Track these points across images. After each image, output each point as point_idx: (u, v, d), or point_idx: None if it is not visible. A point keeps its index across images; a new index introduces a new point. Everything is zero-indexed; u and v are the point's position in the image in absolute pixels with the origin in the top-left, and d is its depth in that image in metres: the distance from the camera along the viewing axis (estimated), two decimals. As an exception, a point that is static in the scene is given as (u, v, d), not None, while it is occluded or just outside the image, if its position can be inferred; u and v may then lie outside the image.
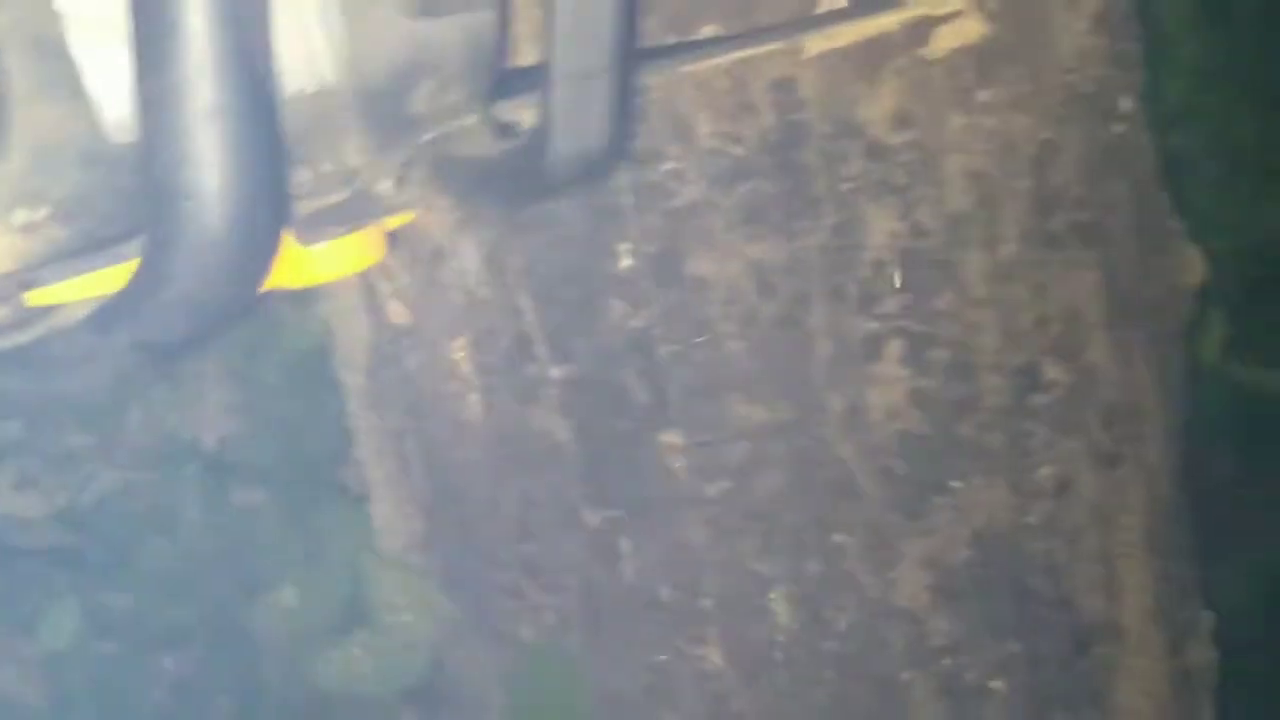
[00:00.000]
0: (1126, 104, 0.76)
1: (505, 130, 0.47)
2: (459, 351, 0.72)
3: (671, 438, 0.70)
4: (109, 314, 0.42)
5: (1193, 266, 0.89)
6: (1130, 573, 0.80)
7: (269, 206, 0.38)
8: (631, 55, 0.51)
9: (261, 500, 1.07)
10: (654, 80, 0.64)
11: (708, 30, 0.63)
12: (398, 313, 0.74)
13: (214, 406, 1.11)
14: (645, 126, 0.65)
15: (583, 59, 0.37)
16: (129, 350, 0.42)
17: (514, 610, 0.77)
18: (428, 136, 0.47)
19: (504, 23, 0.47)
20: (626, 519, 0.72)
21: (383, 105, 0.46)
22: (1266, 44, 1.22)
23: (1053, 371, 0.73)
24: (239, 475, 1.07)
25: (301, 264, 0.50)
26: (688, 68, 0.63)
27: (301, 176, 0.47)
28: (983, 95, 0.67)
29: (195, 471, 1.05)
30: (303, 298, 0.94)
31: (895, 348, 0.69)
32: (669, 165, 0.65)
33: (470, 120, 0.47)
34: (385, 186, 0.48)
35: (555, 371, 0.70)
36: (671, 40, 0.63)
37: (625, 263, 0.67)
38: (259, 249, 0.39)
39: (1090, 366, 0.75)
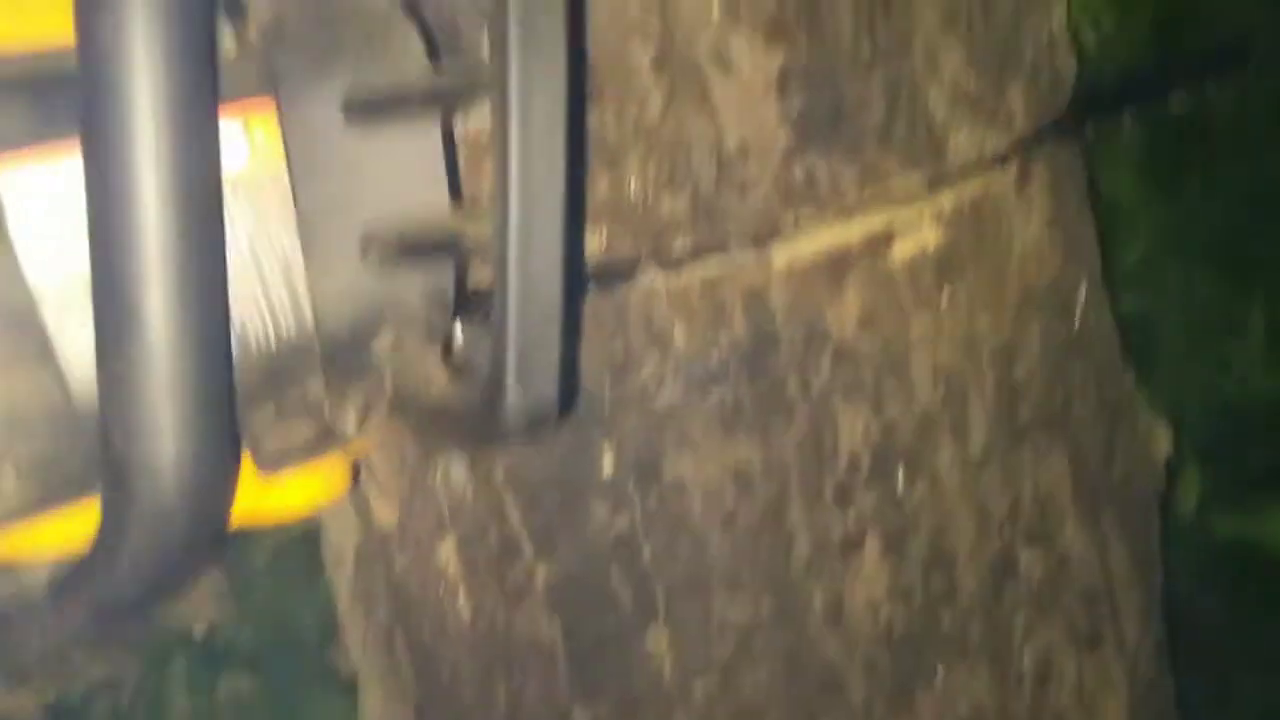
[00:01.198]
0: (1084, 293, 0.79)
1: (462, 374, 0.50)
2: (446, 553, 0.73)
3: (658, 636, 0.71)
4: (65, 582, 0.43)
5: (1159, 439, 0.91)
6: (1119, 753, 0.80)
7: (222, 476, 0.40)
8: (577, 315, 0.55)
9: (250, 688, 1.06)
10: (632, 294, 0.67)
11: (680, 246, 0.66)
12: (385, 514, 0.75)
13: (203, 593, 1.11)
14: (624, 336, 0.67)
15: (530, 322, 0.39)
16: (89, 616, 0.44)
17: (504, 811, 0.76)
18: (387, 380, 0.50)
19: (462, 274, 0.50)
20: (616, 717, 0.72)
21: (344, 353, 0.48)
22: (1219, 208, 1.28)
23: (1028, 558, 0.75)
24: (227, 663, 1.07)
25: (266, 497, 0.52)
26: (662, 279, 0.67)
27: (265, 411, 0.50)
28: (944, 297, 0.71)
29: (184, 661, 1.05)
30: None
31: (873, 543, 0.71)
32: (648, 372, 0.68)
33: (427, 365, 0.50)
34: (347, 423, 0.51)
35: (541, 572, 0.71)
36: (647, 252, 0.67)
37: (607, 466, 0.69)
38: (212, 518, 0.41)
39: (1064, 550, 0.77)
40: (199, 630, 1.09)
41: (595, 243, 0.66)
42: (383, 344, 0.49)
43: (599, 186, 0.65)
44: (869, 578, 0.71)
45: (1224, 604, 1.61)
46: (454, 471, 0.72)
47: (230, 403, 0.42)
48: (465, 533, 0.72)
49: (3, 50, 0.43)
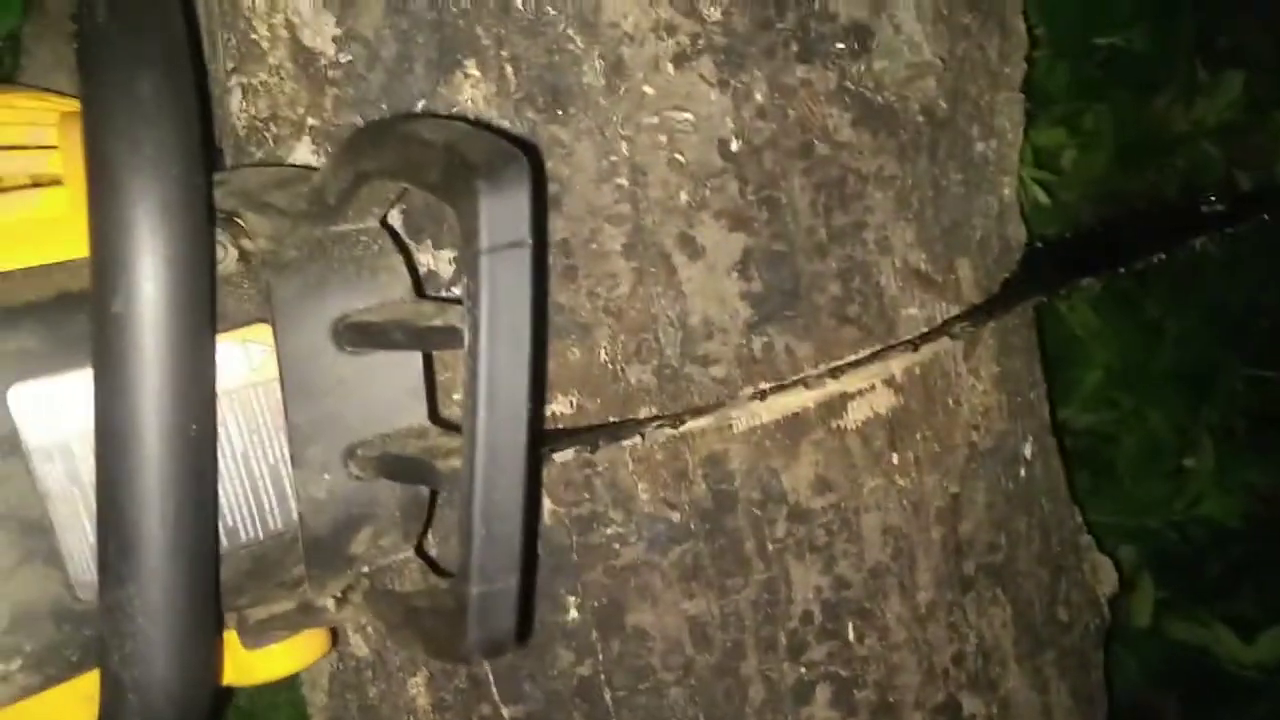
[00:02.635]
0: (1029, 448, 0.84)
1: (434, 572, 0.54)
2: (416, 687, 0.77)
3: (616, 777, 0.74)
4: None
5: (1105, 576, 0.96)
6: None
7: (206, 683, 0.44)
8: (534, 554, 0.60)
9: (222, 790, 1.09)
10: (599, 455, 0.71)
11: (645, 413, 0.71)
12: (359, 646, 0.79)
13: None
14: (590, 495, 0.72)
15: (493, 568, 0.43)
16: None
17: None
18: (365, 570, 0.54)
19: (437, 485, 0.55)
20: None
21: (325, 548, 0.52)
22: (1173, 338, 1.33)
23: (971, 705, 0.79)
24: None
25: (247, 664, 0.56)
26: (628, 443, 0.71)
27: (251, 592, 0.54)
28: (894, 458, 0.75)
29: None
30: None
31: (824, 692, 0.74)
32: (612, 530, 0.72)
33: (402, 557, 0.54)
34: (327, 603, 0.55)
35: (506, 712, 0.74)
36: (614, 418, 0.71)
37: (572, 615, 0.73)
38: (197, 715, 0.45)
39: (1006, 696, 0.81)
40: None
41: (566, 408, 0.70)
42: (361, 542, 0.53)
43: (571, 358, 0.69)
44: (819, 724, 0.74)
45: (1179, 705, 1.65)
46: (427, 612, 0.75)
47: (217, 612, 0.46)
48: (436, 669, 0.76)
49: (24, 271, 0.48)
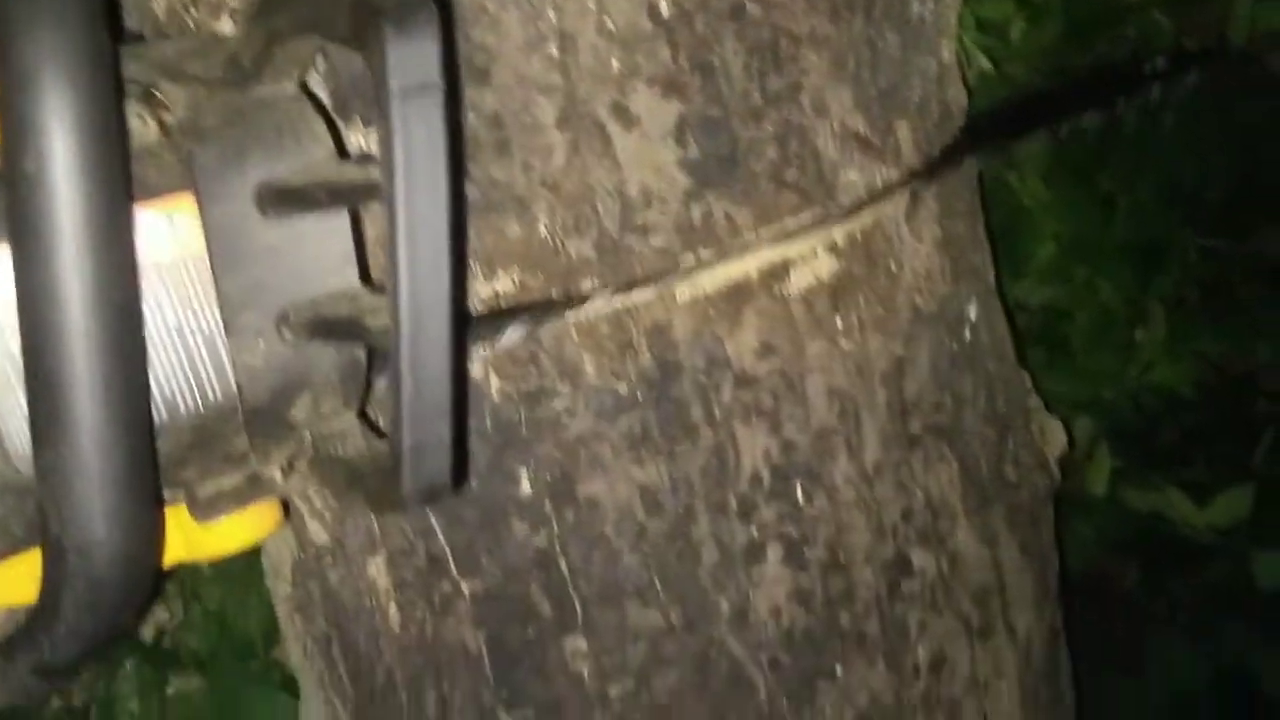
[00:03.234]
0: (973, 311, 0.85)
1: (376, 434, 0.54)
2: (376, 568, 0.78)
3: (576, 644, 0.76)
4: (10, 645, 0.48)
5: (1054, 437, 0.97)
6: (1009, 735, 0.87)
7: (148, 544, 0.45)
8: (465, 400, 0.60)
9: (199, 688, 1.11)
10: (544, 331, 0.72)
11: (588, 286, 0.71)
12: (318, 532, 0.80)
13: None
14: (537, 370, 0.72)
15: (424, 413, 0.44)
16: (29, 675, 0.49)
17: (438, 807, 0.82)
18: (308, 439, 0.55)
19: (373, 345, 0.55)
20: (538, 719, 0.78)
21: (265, 416, 0.53)
22: (1124, 209, 1.34)
23: (921, 559, 0.81)
24: (176, 665, 1.11)
25: (199, 539, 0.57)
26: (572, 317, 0.71)
27: (197, 465, 0.54)
28: (838, 322, 0.76)
29: (133, 664, 1.09)
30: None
31: (774, 551, 0.76)
32: (560, 403, 0.72)
33: (344, 423, 0.55)
34: (274, 473, 0.55)
35: (466, 586, 0.76)
36: (557, 292, 0.71)
37: (525, 488, 0.74)
38: (139, 584, 0.46)
39: (956, 551, 0.83)
40: (148, 634, 1.13)
41: (509, 286, 0.70)
42: (301, 408, 0.54)
43: (510, 234, 0.69)
44: (772, 583, 0.76)
45: (1137, 572, 1.71)
46: (382, 493, 0.76)
47: (154, 477, 0.46)
48: (394, 550, 0.77)
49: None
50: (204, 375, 0.51)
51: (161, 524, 0.48)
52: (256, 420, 0.53)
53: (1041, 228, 1.25)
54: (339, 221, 0.52)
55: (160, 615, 1.14)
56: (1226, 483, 1.50)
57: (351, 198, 0.49)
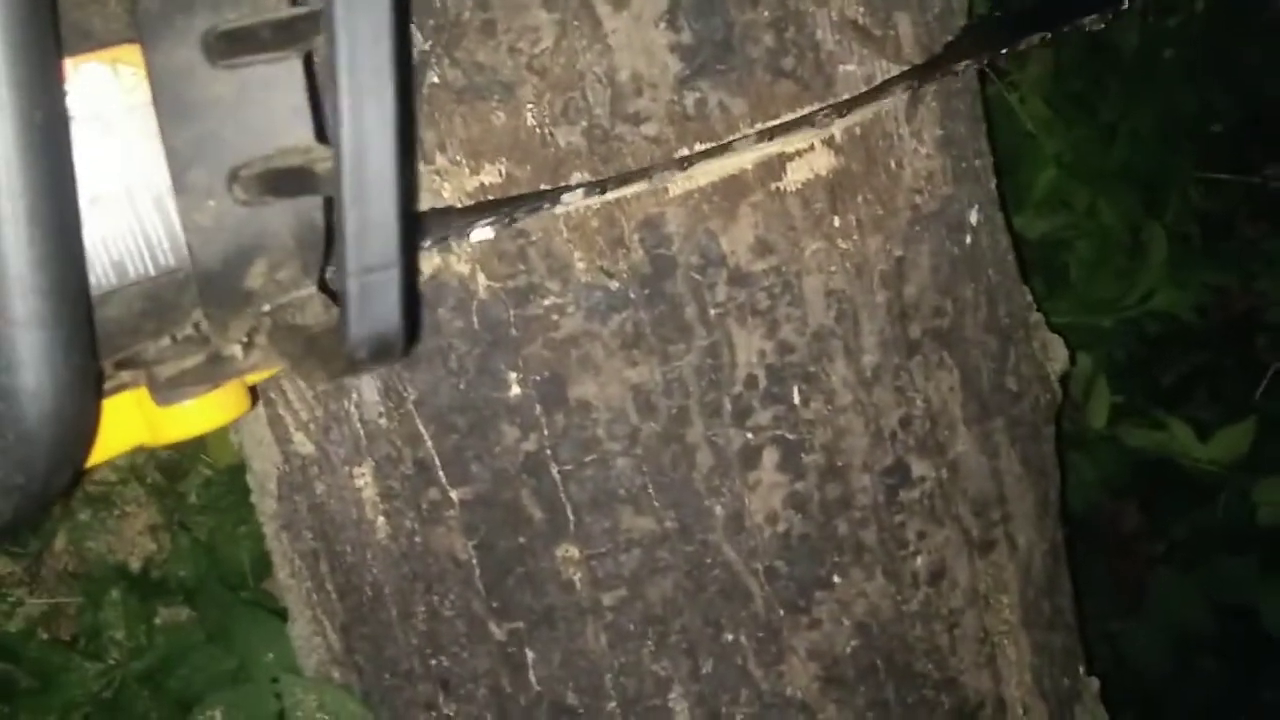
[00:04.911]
0: (974, 216, 0.82)
1: (336, 300, 0.52)
2: (362, 478, 0.76)
3: (568, 551, 0.74)
4: None
5: (1055, 353, 0.95)
6: (1010, 649, 0.85)
7: (81, 401, 0.43)
8: (414, 247, 0.58)
9: (187, 619, 1.09)
10: (531, 224, 0.70)
11: (578, 177, 0.68)
12: (303, 443, 0.78)
13: (138, 527, 1.13)
14: (525, 266, 0.70)
15: (370, 255, 0.42)
16: None
17: (429, 722, 0.80)
18: (265, 308, 0.52)
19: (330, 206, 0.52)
20: (530, 630, 0.76)
21: (220, 283, 0.51)
22: (1126, 133, 1.32)
23: (920, 468, 0.79)
24: (164, 594, 1.10)
25: (166, 423, 0.55)
26: (561, 211, 0.69)
27: (156, 343, 0.52)
28: (836, 221, 0.74)
29: (121, 594, 1.07)
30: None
31: (771, 456, 0.74)
32: (549, 301, 0.70)
33: (302, 293, 0.53)
34: (234, 351, 0.53)
35: (454, 494, 0.74)
36: (545, 187, 0.69)
37: (514, 390, 0.72)
38: (74, 440, 0.43)
39: (956, 460, 0.81)
40: (135, 563, 1.11)
41: (495, 177, 0.68)
42: (256, 275, 0.51)
43: (496, 121, 0.67)
44: (767, 489, 0.75)
45: (1137, 511, 1.69)
46: (367, 400, 0.74)
47: (89, 331, 0.44)
48: (381, 458, 0.75)
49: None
50: (155, 238, 0.49)
51: (98, 381, 0.46)
52: (211, 287, 0.50)
53: (1043, 153, 1.23)
54: (290, 72, 0.49)
55: (148, 546, 1.12)
56: (1227, 419, 1.48)
57: (298, 35, 0.46)
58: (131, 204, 0.48)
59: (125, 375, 0.53)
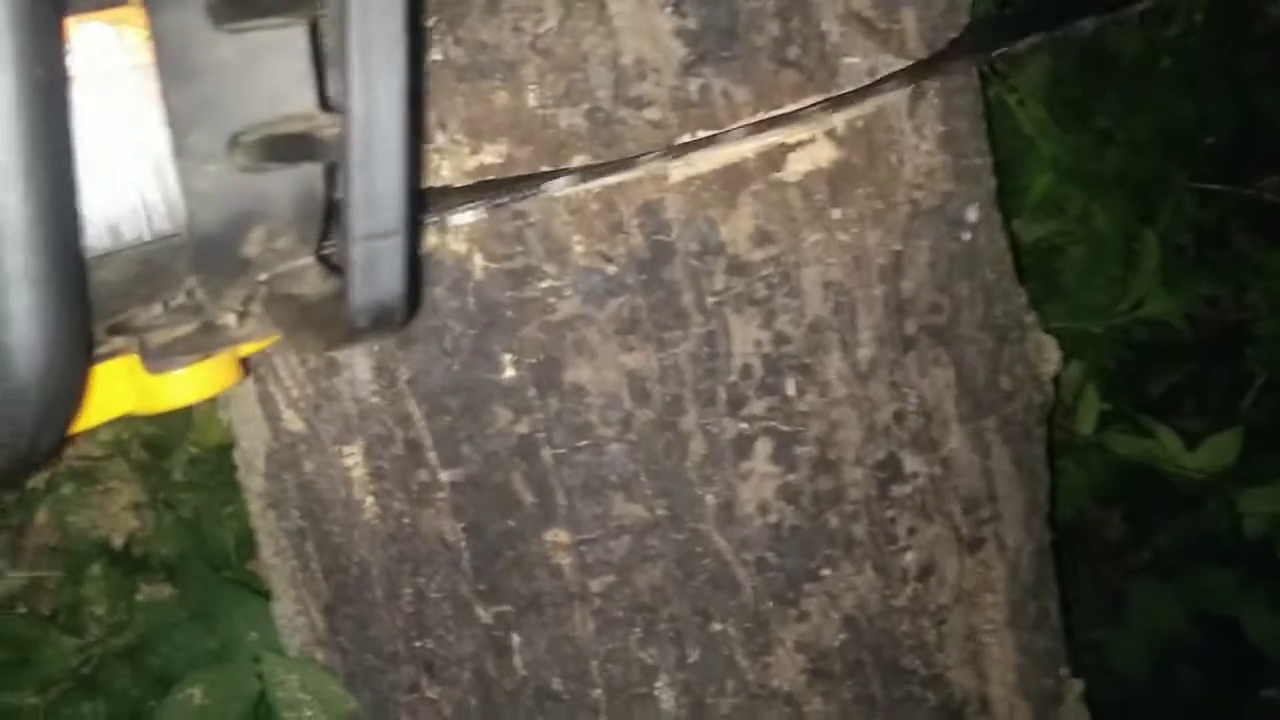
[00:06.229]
0: (973, 214, 0.82)
1: (335, 271, 0.52)
2: (352, 457, 0.76)
3: (558, 536, 0.74)
4: None
5: (1048, 354, 0.95)
6: (995, 648, 0.85)
7: (71, 360, 0.42)
8: (419, 218, 0.57)
9: (169, 596, 1.08)
10: (530, 206, 0.69)
11: (578, 160, 0.68)
12: (293, 420, 0.77)
13: (122, 504, 1.13)
14: (523, 247, 0.69)
15: (375, 221, 0.41)
16: None
17: (412, 704, 0.80)
18: (262, 277, 0.52)
19: (332, 176, 0.52)
20: (517, 614, 0.76)
21: (217, 250, 0.50)
22: (1122, 139, 1.32)
23: (912, 463, 0.79)
24: (146, 571, 1.09)
25: (156, 391, 0.54)
26: (560, 194, 0.69)
27: (149, 310, 0.52)
28: (835, 213, 0.73)
29: (103, 570, 1.07)
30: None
31: (764, 446, 0.74)
32: (546, 283, 0.70)
33: (300, 263, 0.52)
34: (228, 320, 0.53)
35: (445, 475, 0.74)
36: (545, 169, 0.68)
37: (508, 372, 0.71)
38: (63, 400, 0.43)
39: (948, 457, 0.81)
40: (118, 539, 1.11)
41: (495, 158, 0.68)
42: (254, 243, 0.51)
43: (498, 101, 0.67)
44: (760, 479, 0.74)
45: (1123, 520, 1.69)
46: (360, 378, 0.74)
47: (81, 286, 0.43)
48: (371, 437, 0.75)
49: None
50: (151, 200, 0.48)
51: (89, 344, 0.45)
52: (207, 253, 0.50)
53: (1040, 156, 1.23)
54: (295, 37, 0.49)
55: (131, 522, 1.11)
56: (1215, 429, 1.48)
57: (306, 1, 0.46)
58: (130, 166, 0.47)
59: (118, 341, 0.53)
